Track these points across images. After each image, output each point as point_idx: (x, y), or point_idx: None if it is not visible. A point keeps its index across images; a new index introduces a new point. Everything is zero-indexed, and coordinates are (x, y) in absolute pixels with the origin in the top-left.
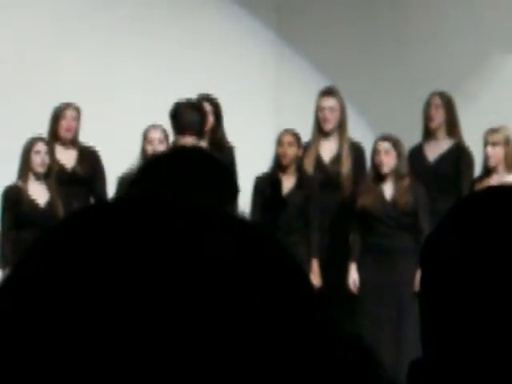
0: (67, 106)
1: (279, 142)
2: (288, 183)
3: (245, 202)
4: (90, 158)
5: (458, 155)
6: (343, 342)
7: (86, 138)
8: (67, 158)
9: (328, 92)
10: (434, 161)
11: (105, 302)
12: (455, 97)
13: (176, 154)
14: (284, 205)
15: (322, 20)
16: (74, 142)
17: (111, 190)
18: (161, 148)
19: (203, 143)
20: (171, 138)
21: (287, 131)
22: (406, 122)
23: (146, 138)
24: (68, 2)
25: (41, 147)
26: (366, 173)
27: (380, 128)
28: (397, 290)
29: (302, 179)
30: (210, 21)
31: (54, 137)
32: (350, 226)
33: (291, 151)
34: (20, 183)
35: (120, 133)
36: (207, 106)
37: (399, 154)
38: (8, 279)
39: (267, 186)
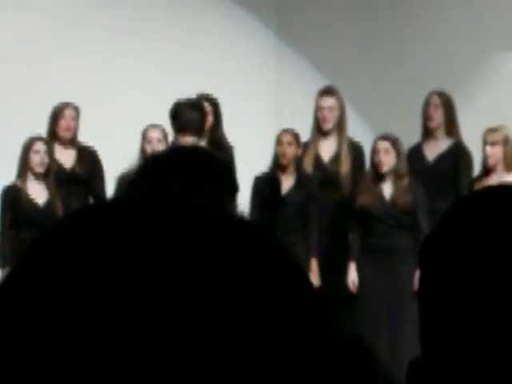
0: (66, 105)
1: (278, 142)
2: (287, 183)
3: (244, 202)
4: (88, 158)
5: (457, 155)
6: (342, 342)
7: (85, 137)
8: (66, 157)
9: (327, 91)
10: (433, 160)
11: (104, 301)
12: (454, 96)
13: (175, 153)
14: (283, 204)
15: (322, 20)
16: (72, 142)
17: (110, 189)
18: (160, 147)
19: (202, 142)
20: (170, 138)
21: (286, 131)
22: (405, 122)
23: (145, 137)
24: (68, 2)
25: (40, 147)
26: (365, 172)
27: (379, 128)
28: (396, 290)
29: (301, 179)
30: (210, 21)
31: (53, 136)
32: (349, 226)
33: (290, 151)
34: (19, 183)
35: (119, 132)
36: (206, 106)
37: (398, 154)
38: (7, 279)
39: (266, 185)
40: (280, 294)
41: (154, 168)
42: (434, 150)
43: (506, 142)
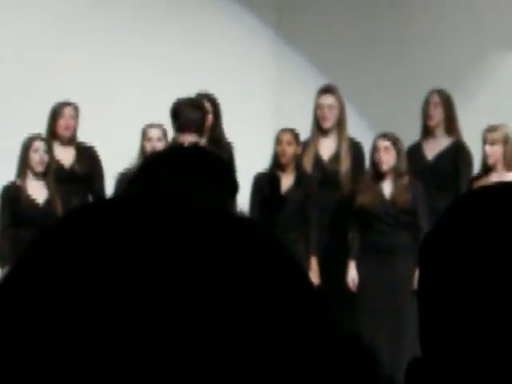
0: (65, 104)
1: (278, 141)
2: (287, 181)
3: (244, 201)
4: (88, 156)
5: (457, 153)
6: (342, 341)
7: (85, 136)
8: (65, 156)
9: (327, 90)
10: (433, 159)
11: (104, 300)
12: (454, 95)
13: (175, 151)
14: (283, 203)
15: (322, 19)
16: (72, 141)
17: (110, 187)
18: (159, 146)
19: (202, 141)
20: (170, 136)
21: (286, 130)
22: (405, 121)
23: (144, 135)
24: (68, 2)
25: (39, 145)
26: (364, 171)
27: (379, 126)
28: (396, 288)
29: (300, 177)
30: (209, 20)
31: (53, 135)
32: (348, 224)
33: (290, 150)
34: (19, 181)
35: (119, 131)
36: (206, 105)
37: (398, 152)
38: (7, 277)
39: (266, 184)
40: (279, 292)
41: (154, 166)
42: (433, 149)
43: (505, 140)
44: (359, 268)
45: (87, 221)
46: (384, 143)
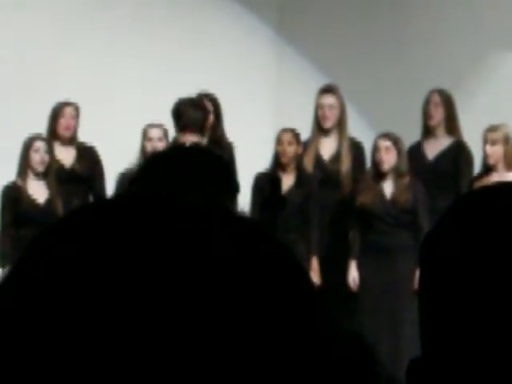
0: (66, 104)
1: (278, 141)
2: (287, 181)
3: (244, 201)
4: (88, 156)
5: (458, 153)
6: (342, 340)
7: (86, 136)
8: (66, 156)
9: (327, 90)
10: (434, 159)
11: (104, 300)
12: (454, 95)
13: (176, 151)
14: (283, 203)
15: (323, 19)
16: (72, 141)
17: (110, 187)
18: (160, 146)
19: (204, 141)
20: (171, 136)
21: (286, 130)
22: (405, 120)
23: (145, 135)
24: (68, 2)
25: (40, 145)
26: (365, 171)
27: (380, 126)
28: (396, 288)
29: (301, 177)
30: (210, 20)
31: (53, 135)
32: (349, 224)
33: (290, 149)
34: (19, 181)
35: (120, 131)
36: (207, 104)
37: (399, 152)
38: (8, 277)
39: (267, 184)
40: (280, 292)
41: (155, 166)
42: (434, 149)
43: (506, 140)
44: (360, 268)
45: (88, 221)
46: (385, 143)
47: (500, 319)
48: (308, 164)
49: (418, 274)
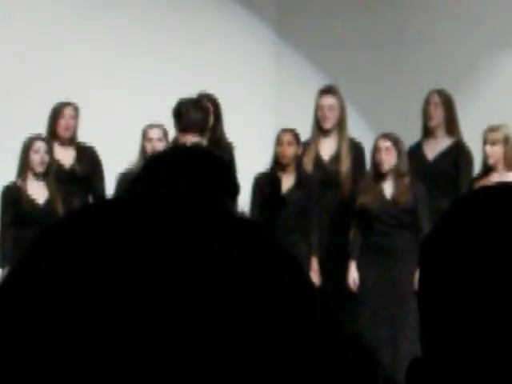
0: (66, 104)
1: (278, 142)
2: (287, 182)
3: (244, 201)
4: (88, 157)
5: (458, 153)
6: (343, 341)
7: (85, 137)
8: (65, 156)
9: (327, 90)
10: (433, 159)
11: (105, 300)
12: (454, 95)
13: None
14: (283, 203)
15: (322, 20)
16: (72, 141)
17: (110, 188)
18: (160, 146)
19: (204, 141)
20: (170, 137)
21: (286, 130)
22: (405, 121)
23: (145, 136)
24: (68, 2)
25: (40, 146)
26: (365, 171)
27: (380, 127)
28: (396, 289)
29: (301, 178)
30: (210, 21)
31: (53, 135)
32: (349, 225)
33: (290, 150)
34: (19, 182)
35: (119, 132)
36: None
37: (400, 153)
38: (8, 277)
39: (267, 184)
40: (281, 293)
41: (156, 167)
42: (434, 149)
43: (506, 141)
44: (360, 268)
45: (88, 221)
46: (385, 143)
47: (500, 319)
48: (308, 164)
49: (417, 274)
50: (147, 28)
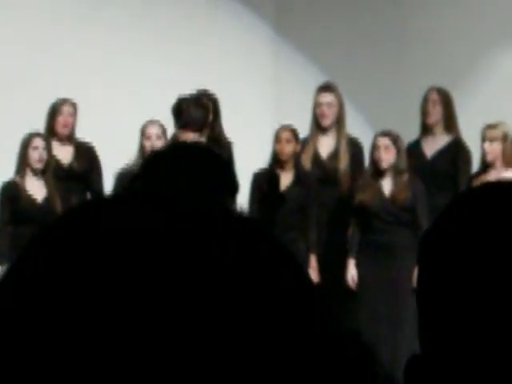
0: (64, 101)
1: (277, 139)
2: (286, 179)
3: (243, 199)
4: (86, 154)
5: (456, 151)
6: (341, 338)
7: (84, 134)
8: (64, 153)
9: (326, 88)
10: (432, 157)
11: (104, 298)
12: (453, 93)
13: (177, 149)
14: (282, 201)
15: (321, 18)
16: (70, 138)
17: (108, 185)
18: (159, 143)
19: (202, 139)
20: (169, 134)
21: (285, 127)
22: (403, 119)
23: (143, 133)
24: (68, 2)
25: (38, 143)
26: (364, 169)
27: (378, 124)
28: (395, 286)
29: (299, 175)
30: (208, 19)
31: (51, 133)
32: (348, 222)
33: (289, 147)
34: (18, 179)
35: (118, 129)
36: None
37: (399, 150)
38: (6, 275)
39: (265, 181)
40: (279, 290)
41: (156, 164)
42: (432, 147)
43: (504, 138)
44: (358, 266)
45: (87, 219)
46: (384, 141)
47: (499, 317)
48: (306, 162)
49: (416, 272)
50: (146, 27)
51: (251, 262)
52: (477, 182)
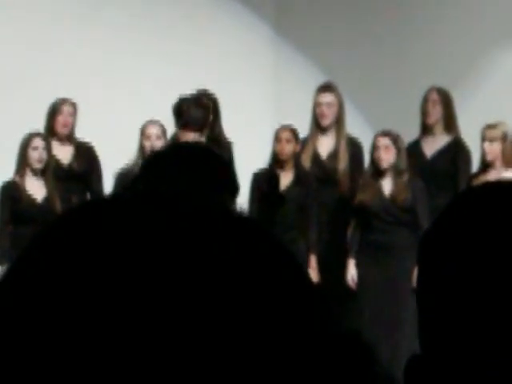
0: (64, 101)
1: (277, 139)
2: (286, 179)
3: (243, 198)
4: (86, 154)
5: (456, 151)
6: (341, 338)
7: (85, 134)
8: (63, 153)
9: (326, 88)
10: (432, 157)
11: (104, 298)
12: (453, 93)
13: (177, 149)
14: (282, 200)
15: (321, 18)
16: (70, 138)
17: (108, 185)
18: (158, 144)
19: (202, 139)
20: (169, 134)
21: (285, 127)
22: (403, 118)
23: (143, 133)
24: (68, 2)
25: (38, 143)
26: (363, 169)
27: (378, 124)
28: (395, 286)
29: (299, 175)
30: (208, 18)
31: (51, 132)
32: (348, 222)
33: (289, 147)
34: (17, 179)
35: (118, 129)
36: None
37: (399, 150)
38: (7, 275)
39: (265, 181)
40: (279, 290)
41: (156, 164)
42: (432, 147)
43: (504, 138)
44: (358, 266)
45: (87, 219)
46: (384, 141)
47: (499, 317)
48: (306, 161)
49: (416, 271)
50: (146, 26)
51: (251, 262)
52: (477, 182)
